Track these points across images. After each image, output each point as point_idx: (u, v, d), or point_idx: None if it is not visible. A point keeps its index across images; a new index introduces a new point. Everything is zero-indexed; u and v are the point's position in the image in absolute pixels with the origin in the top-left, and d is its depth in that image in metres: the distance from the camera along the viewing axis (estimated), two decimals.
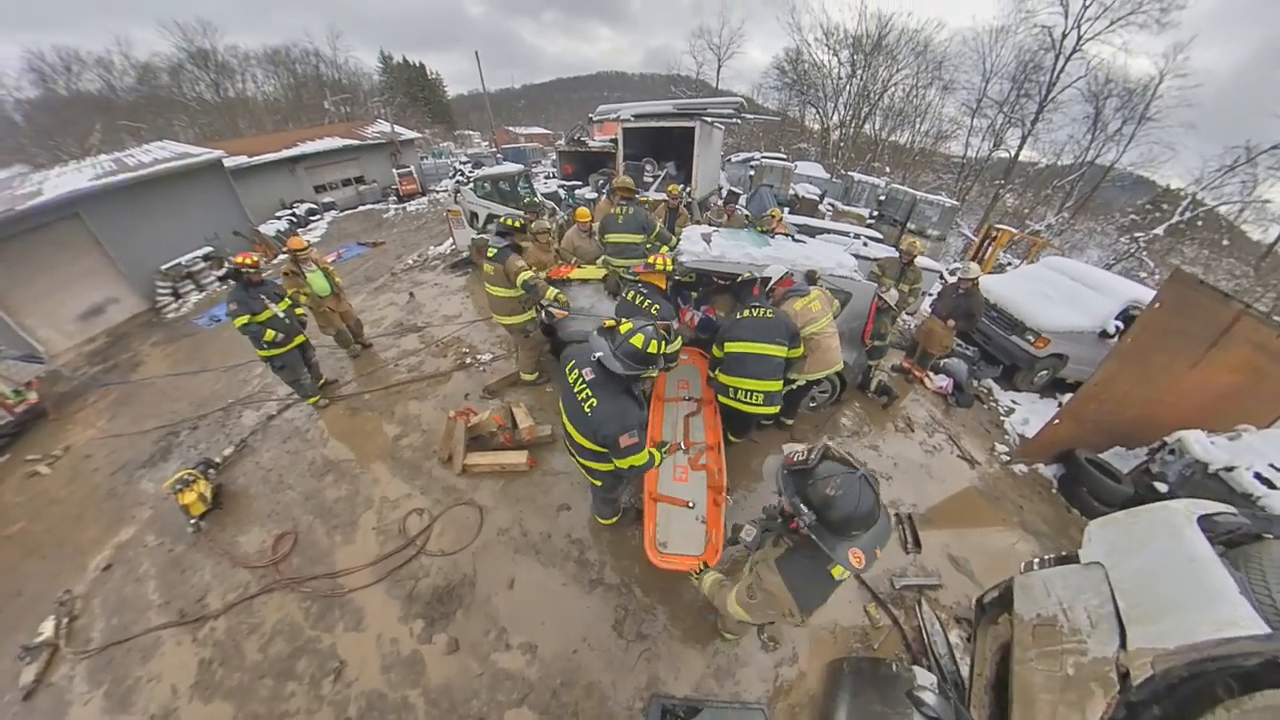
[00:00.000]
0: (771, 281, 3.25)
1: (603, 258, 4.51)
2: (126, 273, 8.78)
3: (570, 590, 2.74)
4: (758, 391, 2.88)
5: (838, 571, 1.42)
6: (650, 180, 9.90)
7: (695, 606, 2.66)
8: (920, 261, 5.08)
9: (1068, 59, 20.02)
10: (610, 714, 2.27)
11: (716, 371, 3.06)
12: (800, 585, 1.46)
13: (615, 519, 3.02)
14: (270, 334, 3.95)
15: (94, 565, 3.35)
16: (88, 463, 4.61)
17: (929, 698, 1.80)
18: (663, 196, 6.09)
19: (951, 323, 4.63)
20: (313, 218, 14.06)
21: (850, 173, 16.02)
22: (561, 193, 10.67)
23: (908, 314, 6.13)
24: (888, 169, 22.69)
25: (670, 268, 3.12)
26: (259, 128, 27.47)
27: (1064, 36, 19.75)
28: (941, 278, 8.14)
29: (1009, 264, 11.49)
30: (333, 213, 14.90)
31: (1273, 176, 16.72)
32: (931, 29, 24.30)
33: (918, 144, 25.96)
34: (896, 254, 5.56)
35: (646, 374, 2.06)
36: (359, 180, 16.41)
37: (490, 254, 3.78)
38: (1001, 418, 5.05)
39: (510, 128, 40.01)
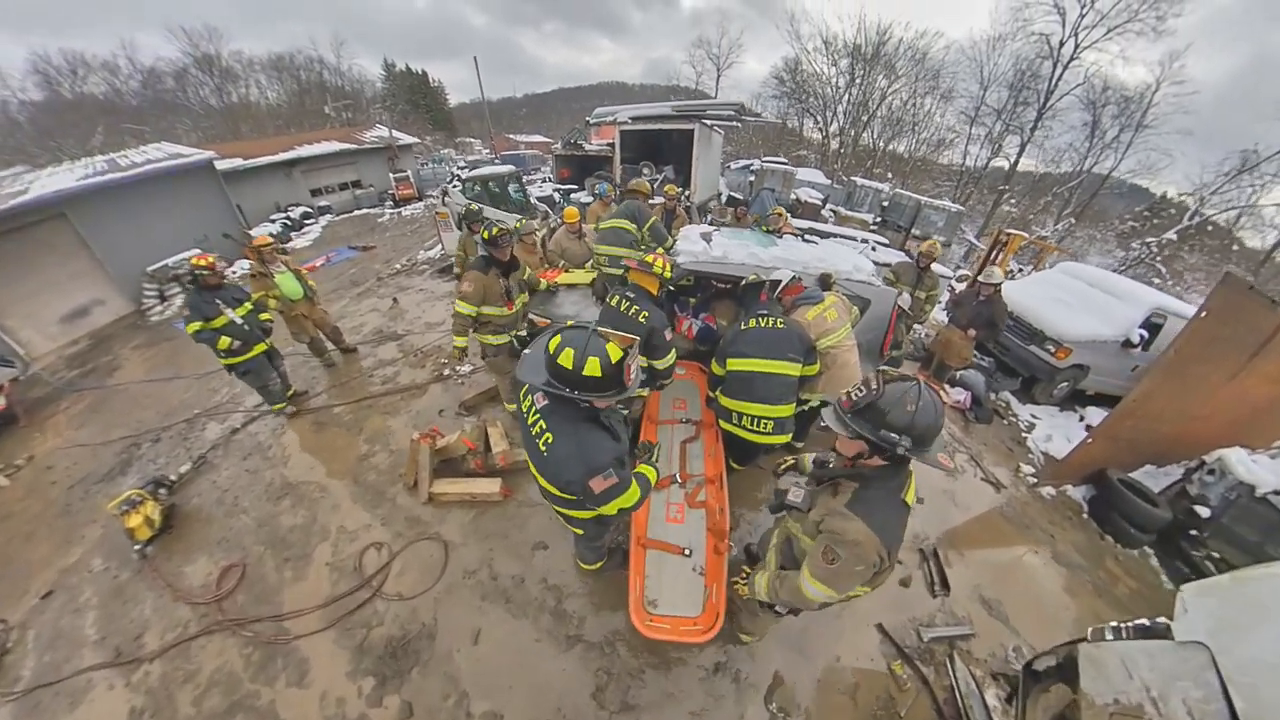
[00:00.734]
0: (779, 287, 2.81)
1: (593, 259, 4.15)
2: (113, 274, 8.58)
3: (544, 648, 2.35)
4: (767, 418, 2.42)
5: (910, 496, 1.41)
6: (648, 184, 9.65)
7: (693, 670, 2.28)
8: (933, 267, 4.72)
9: (1065, 67, 20.15)
10: None
11: (717, 392, 2.63)
12: (883, 521, 1.34)
13: (599, 564, 2.59)
14: (225, 341, 3.64)
15: (35, 590, 3.05)
16: (48, 474, 4.33)
17: None
18: (659, 200, 5.81)
19: (972, 333, 4.26)
20: (307, 221, 13.86)
21: (853, 178, 15.79)
22: (557, 196, 10.44)
23: (917, 324, 5.79)
24: (889, 174, 22.55)
25: (668, 274, 2.55)
26: (261, 133, 27.50)
27: (1061, 45, 19.90)
28: (950, 288, 7.82)
29: (1018, 271, 11.19)
30: (328, 216, 14.72)
31: (1275, 183, 16.59)
32: (930, 37, 24.31)
33: (916, 153, 25.91)
34: (907, 259, 5.23)
35: (607, 398, 1.47)
36: (355, 184, 16.28)
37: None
38: (1023, 434, 4.70)
39: (511, 135, 40.17)
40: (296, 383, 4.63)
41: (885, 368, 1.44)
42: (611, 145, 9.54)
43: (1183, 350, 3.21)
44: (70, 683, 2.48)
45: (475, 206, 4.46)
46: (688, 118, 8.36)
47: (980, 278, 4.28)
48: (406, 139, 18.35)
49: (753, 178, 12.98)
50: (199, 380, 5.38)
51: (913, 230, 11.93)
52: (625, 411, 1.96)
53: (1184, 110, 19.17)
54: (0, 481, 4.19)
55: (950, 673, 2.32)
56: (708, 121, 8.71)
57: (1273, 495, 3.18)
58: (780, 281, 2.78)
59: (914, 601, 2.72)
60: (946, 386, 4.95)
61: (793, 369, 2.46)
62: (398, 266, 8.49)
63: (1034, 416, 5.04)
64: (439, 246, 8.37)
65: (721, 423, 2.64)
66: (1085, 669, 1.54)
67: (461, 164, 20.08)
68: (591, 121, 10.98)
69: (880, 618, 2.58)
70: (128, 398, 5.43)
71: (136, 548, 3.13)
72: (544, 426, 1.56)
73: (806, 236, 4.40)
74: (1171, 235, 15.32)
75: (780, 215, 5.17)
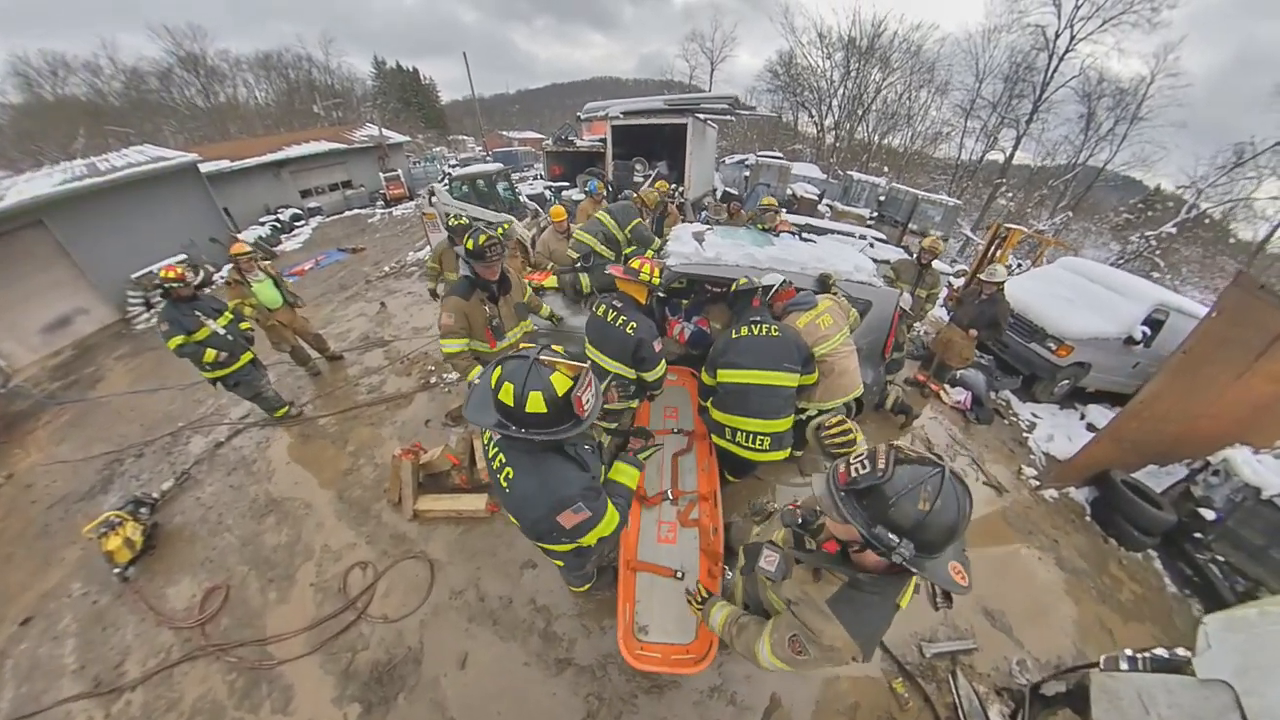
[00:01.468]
0: (770, 292, 2.63)
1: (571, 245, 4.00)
2: (95, 282, 8.39)
3: (533, 672, 2.27)
4: (763, 434, 2.28)
5: (905, 600, 1.16)
6: (641, 180, 9.51)
7: (688, 693, 2.20)
8: (933, 264, 4.61)
9: (1061, 59, 20.12)
10: None
11: (709, 403, 2.49)
12: (870, 632, 1.13)
13: (588, 586, 2.46)
14: (211, 354, 3.54)
15: (13, 617, 2.96)
16: (28, 493, 4.21)
17: None
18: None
19: (973, 332, 4.16)
20: (297, 223, 13.65)
21: (849, 172, 15.67)
22: (548, 194, 10.27)
23: (916, 322, 5.70)
24: (885, 168, 22.45)
25: (656, 280, 2.34)
26: (249, 133, 27.11)
27: (1057, 36, 19.80)
28: (949, 284, 7.74)
29: (1016, 266, 11.12)
30: (318, 218, 14.50)
31: (1272, 175, 16.59)
32: (926, 29, 24.16)
33: (912, 147, 25.80)
34: (906, 255, 5.12)
35: (558, 435, 1.26)
36: (346, 185, 16.04)
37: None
38: (1024, 434, 4.63)
39: (503, 132, 39.78)
40: (282, 394, 4.52)
41: (899, 444, 1.09)
42: (603, 141, 9.37)
43: (1193, 350, 3.13)
44: (49, 714, 2.39)
45: (465, 220, 4.06)
46: (681, 112, 8.20)
47: (983, 276, 4.16)
48: (397, 137, 18.08)
49: (748, 173, 12.85)
50: (184, 392, 5.26)
51: (910, 225, 11.83)
52: (598, 440, 1.73)
53: (1178, 103, 19.35)
54: None
55: (953, 689, 2.25)
56: (701, 115, 8.56)
57: (1279, 498, 3.12)
58: (770, 287, 2.61)
59: (915, 615, 2.64)
60: (947, 387, 4.87)
61: (790, 380, 2.31)
62: (386, 269, 8.35)
63: (1034, 415, 4.97)
64: (428, 248, 8.24)
65: (714, 438, 2.50)
66: (1098, 699, 1.46)
67: (453, 162, 19.80)
68: (583, 117, 10.80)
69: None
70: (110, 411, 5.29)
71: (116, 570, 3.03)
72: (503, 460, 1.40)
73: (804, 234, 4.27)
74: (1170, 228, 15.30)
75: (771, 205, 5.02)
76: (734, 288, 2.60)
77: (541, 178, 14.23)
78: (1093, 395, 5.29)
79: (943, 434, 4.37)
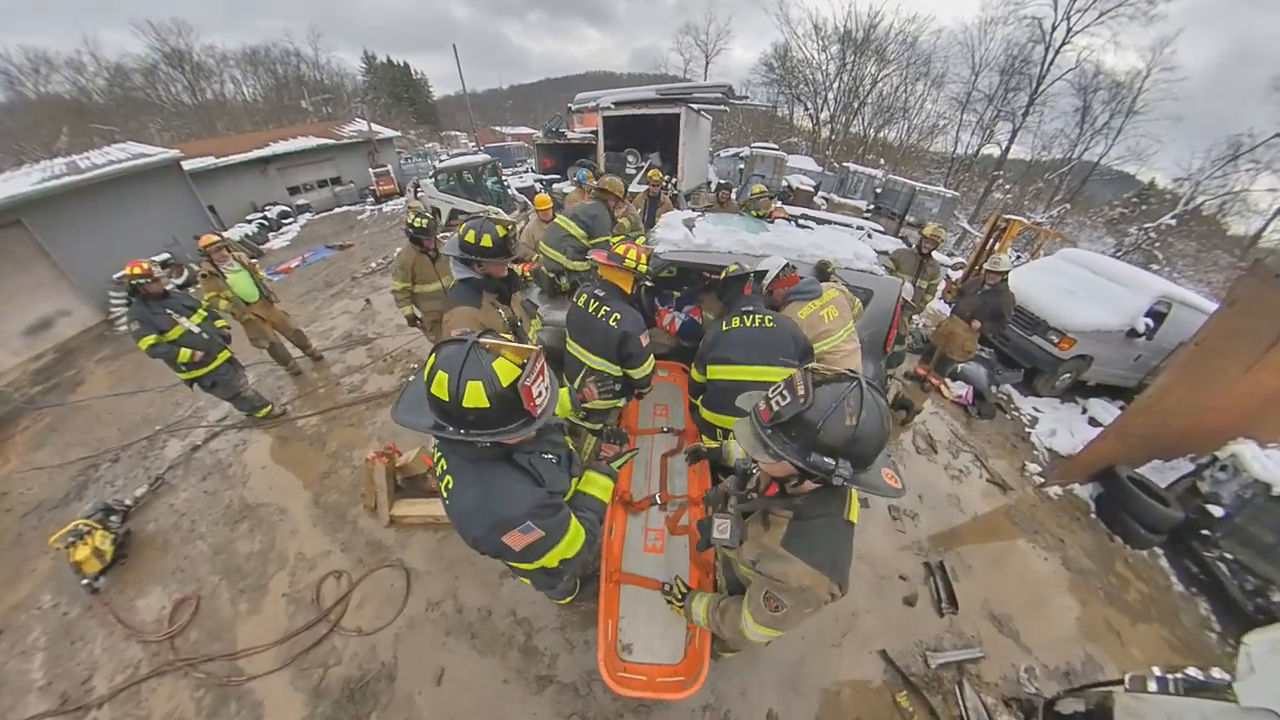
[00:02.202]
0: (768, 278, 2.39)
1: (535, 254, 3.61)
2: (77, 283, 8.21)
3: (512, 690, 2.14)
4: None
5: (854, 514, 1.16)
6: (633, 172, 9.34)
7: (678, 712, 2.07)
8: (933, 254, 4.48)
9: (1057, 51, 20.08)
10: None
11: (699, 402, 2.29)
12: (830, 557, 1.10)
13: (569, 599, 2.34)
14: (186, 353, 3.39)
15: None
16: (2, 501, 4.07)
17: None
18: (643, 187, 5.52)
19: (976, 324, 4.03)
20: (285, 221, 13.41)
21: (846, 164, 15.53)
22: (539, 187, 10.10)
23: (915, 314, 5.58)
24: (882, 160, 22.31)
25: (643, 268, 2.15)
26: (237, 129, 26.68)
27: (1054, 29, 19.71)
28: (947, 276, 7.63)
29: (1015, 258, 11.04)
30: (307, 215, 14.25)
31: (1267, 169, 16.60)
32: (922, 22, 23.97)
33: (908, 140, 25.69)
34: (905, 246, 4.98)
35: (507, 434, 1.06)
36: (335, 181, 15.77)
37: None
38: (1027, 430, 4.53)
39: (497, 128, 39.29)
40: (262, 394, 4.37)
41: (814, 365, 1.08)
42: (595, 133, 9.20)
43: (1204, 343, 3.02)
44: None
45: (426, 221, 3.49)
46: (673, 101, 8.02)
47: (987, 266, 4.02)
48: (387, 132, 17.78)
49: (742, 165, 12.69)
50: (162, 394, 5.12)
51: (907, 217, 11.73)
52: (568, 449, 1.48)
53: (1173, 97, 19.48)
54: None
55: (959, 701, 2.14)
56: (694, 105, 8.38)
57: None
58: (766, 272, 2.37)
59: (920, 622, 2.55)
60: (948, 381, 4.76)
61: (786, 375, 2.17)
62: (374, 265, 8.18)
63: (1036, 410, 4.88)
64: None
65: (705, 439, 2.34)
66: None
67: (445, 157, 19.53)
68: (574, 108, 10.60)
69: (884, 643, 2.40)
70: (90, 415, 5.14)
71: (85, 581, 2.89)
72: (444, 467, 1.19)
73: (801, 222, 4.12)
74: (1170, 220, 15.26)
75: (763, 192, 4.84)
76: (724, 275, 2.39)
77: (533, 171, 14.04)
78: (1094, 389, 5.20)
79: (944, 429, 4.26)
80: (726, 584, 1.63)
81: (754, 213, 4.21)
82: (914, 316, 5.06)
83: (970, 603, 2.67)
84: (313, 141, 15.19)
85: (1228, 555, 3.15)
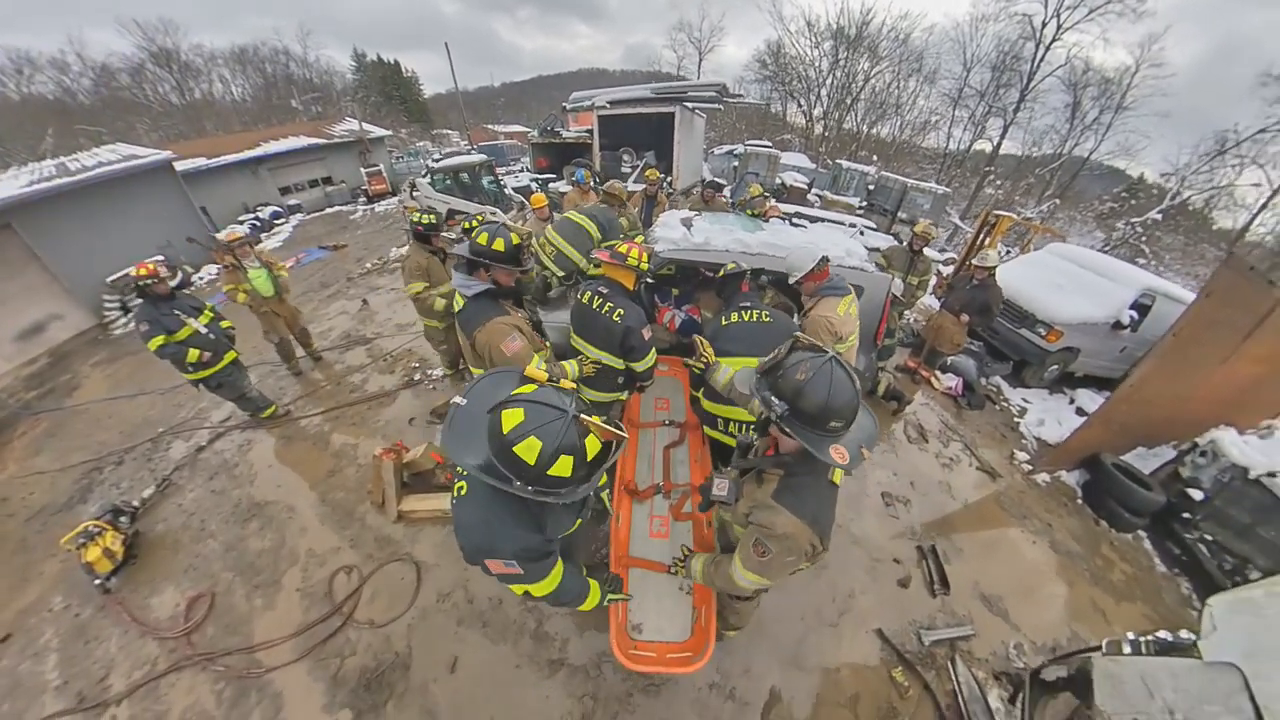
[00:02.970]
0: (800, 273, 2.34)
1: (540, 240, 3.47)
2: (69, 287, 8.12)
3: (525, 675, 2.22)
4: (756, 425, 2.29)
5: (838, 476, 1.36)
6: (628, 171, 9.38)
7: (685, 690, 2.16)
8: (924, 251, 4.59)
9: (1048, 48, 20.29)
10: None
11: (700, 394, 2.39)
12: (813, 510, 1.28)
13: (593, 602, 2.33)
14: (194, 353, 3.42)
15: None
16: (3, 507, 4.07)
17: None
18: (640, 186, 5.58)
19: (965, 318, 4.16)
20: (277, 221, 13.33)
21: (838, 160, 15.64)
22: (534, 187, 10.12)
23: (906, 309, 5.70)
24: (875, 157, 22.48)
25: (645, 265, 2.24)
26: (226, 129, 26.37)
27: (1044, 25, 19.90)
28: (938, 272, 7.77)
29: (1005, 253, 11.20)
30: (299, 215, 14.17)
31: (1253, 164, 16.87)
32: (914, 18, 24.15)
33: (900, 136, 25.87)
34: (897, 242, 5.08)
35: (551, 497, 1.07)
36: (326, 181, 15.67)
37: (459, 305, 2.20)
38: (1016, 420, 4.66)
39: (489, 126, 39.06)
40: (265, 395, 4.41)
41: (799, 335, 1.36)
42: (590, 132, 9.23)
43: (1182, 333, 3.15)
44: None
45: (433, 217, 3.47)
46: (668, 100, 8.09)
47: (975, 261, 4.15)
48: (379, 131, 17.67)
49: (736, 163, 12.77)
50: (164, 396, 5.11)
51: (899, 213, 11.86)
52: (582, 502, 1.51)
53: (1162, 93, 19.74)
54: None
55: (952, 676, 2.25)
56: (689, 104, 8.45)
57: (1265, 477, 3.15)
58: (763, 271, 2.46)
59: (913, 603, 2.66)
60: (938, 373, 4.88)
61: None
62: (369, 265, 8.19)
63: (1025, 400, 5.01)
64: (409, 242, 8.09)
65: (706, 429, 2.43)
66: (1101, 684, 1.44)
67: (437, 156, 19.44)
68: (569, 107, 10.63)
69: (879, 622, 2.51)
70: (89, 419, 5.13)
71: (97, 581, 2.94)
72: (462, 471, 1.26)
73: (795, 220, 4.22)
74: (1156, 215, 15.50)
75: (759, 194, 4.93)
76: (721, 273, 2.49)
77: (528, 170, 14.04)
78: (1081, 380, 5.35)
79: (935, 420, 4.38)
80: (721, 548, 1.80)
81: (749, 212, 4.30)
82: (904, 311, 5.16)
83: (961, 584, 2.78)
84: (304, 141, 15.09)
85: (1207, 536, 3.28)
